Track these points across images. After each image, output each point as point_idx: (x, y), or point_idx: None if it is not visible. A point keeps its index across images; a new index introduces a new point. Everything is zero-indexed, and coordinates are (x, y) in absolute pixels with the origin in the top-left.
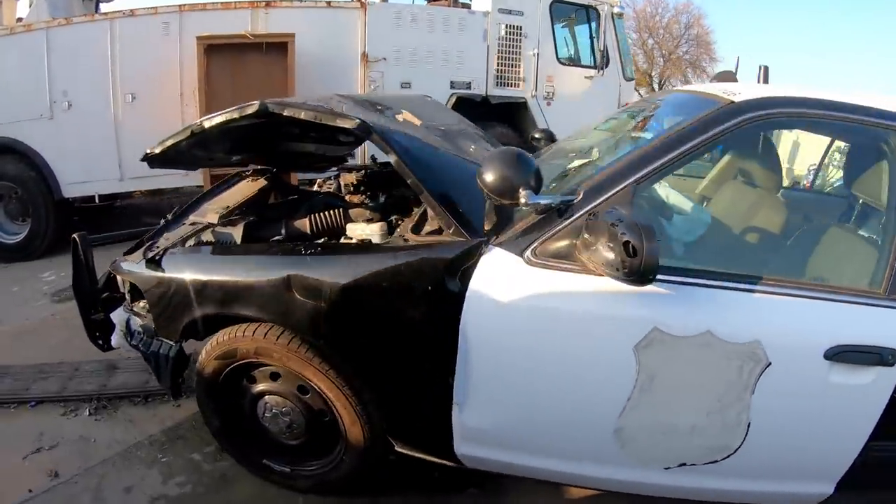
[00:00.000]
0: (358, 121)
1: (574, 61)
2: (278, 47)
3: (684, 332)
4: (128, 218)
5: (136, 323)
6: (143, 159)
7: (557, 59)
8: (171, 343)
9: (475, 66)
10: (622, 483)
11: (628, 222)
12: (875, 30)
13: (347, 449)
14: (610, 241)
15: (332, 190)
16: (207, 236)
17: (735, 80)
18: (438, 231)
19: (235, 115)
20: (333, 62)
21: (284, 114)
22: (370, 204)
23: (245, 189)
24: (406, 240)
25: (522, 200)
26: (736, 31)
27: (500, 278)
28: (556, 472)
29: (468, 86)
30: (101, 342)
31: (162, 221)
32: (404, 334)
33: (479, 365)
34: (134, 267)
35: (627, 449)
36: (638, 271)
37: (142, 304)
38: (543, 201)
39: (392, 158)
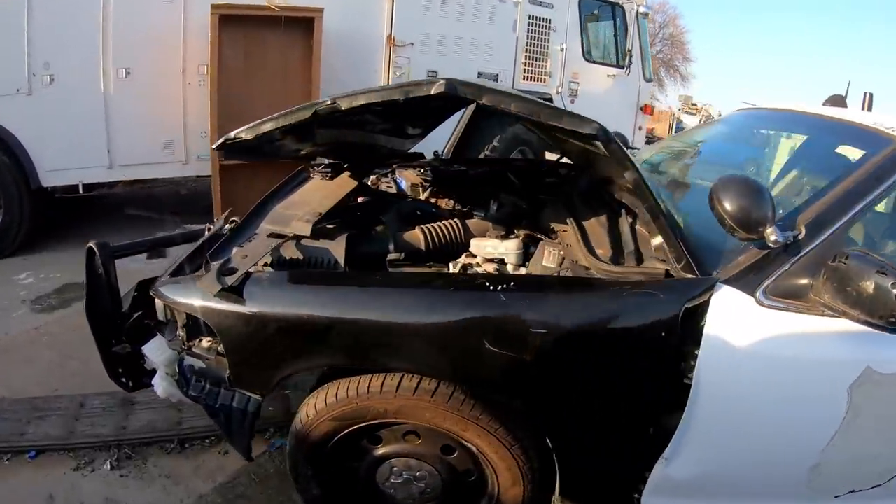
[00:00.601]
0: (597, 125)
1: (600, 59)
2: (300, 23)
3: (892, 369)
4: (108, 211)
5: (195, 366)
6: (220, 146)
7: (583, 55)
8: (253, 396)
9: (503, 57)
10: None
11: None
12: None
13: None
14: (874, 287)
15: (392, 189)
16: (289, 251)
17: (845, 106)
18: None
19: (397, 97)
20: (356, 44)
21: (483, 101)
22: (485, 214)
23: (322, 190)
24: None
25: (773, 238)
26: (709, 31)
27: (734, 321)
28: None
29: (495, 78)
30: (126, 381)
31: (207, 230)
32: (623, 387)
33: (704, 416)
34: (196, 295)
35: (814, 483)
36: None
37: (206, 343)
38: (785, 239)
39: (630, 176)
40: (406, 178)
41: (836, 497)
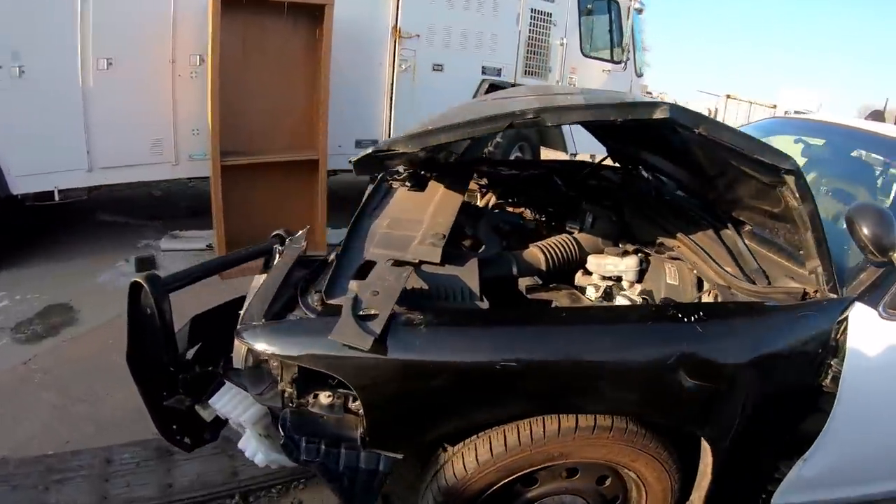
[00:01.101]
0: (794, 162)
1: (595, 54)
2: (302, 11)
3: None
4: (80, 217)
5: (303, 424)
6: (366, 159)
7: (581, 50)
8: (389, 455)
9: (506, 51)
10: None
11: None
12: None
13: None
14: None
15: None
16: (411, 280)
17: (884, 120)
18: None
19: (613, 118)
20: (360, 34)
21: (699, 131)
22: (580, 227)
23: (424, 204)
24: (732, 292)
25: None
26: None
27: (863, 333)
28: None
29: (499, 72)
30: (183, 438)
31: (276, 252)
32: (787, 401)
33: (842, 419)
34: (320, 344)
35: None
36: None
37: (325, 399)
38: None
39: (807, 207)
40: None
41: None
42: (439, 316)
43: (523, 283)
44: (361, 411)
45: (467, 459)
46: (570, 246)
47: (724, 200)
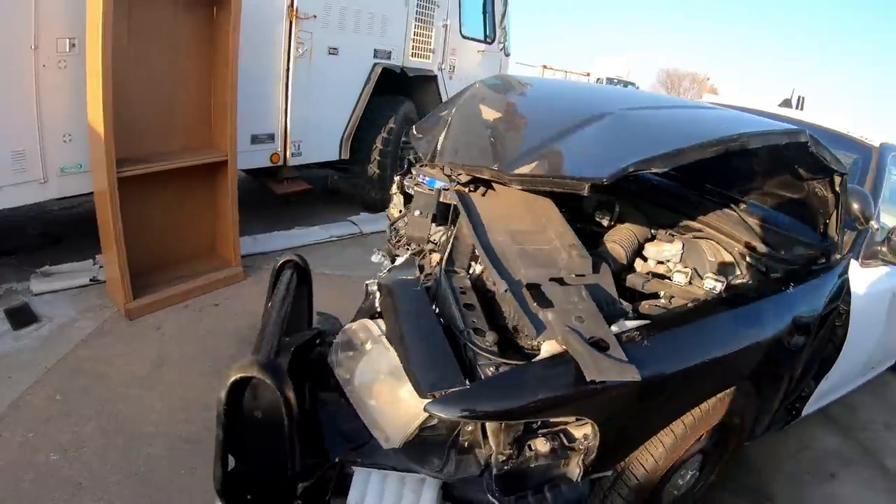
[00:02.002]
0: (843, 165)
1: (472, 35)
2: None
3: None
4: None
5: (515, 482)
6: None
7: (460, 31)
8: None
9: (396, 33)
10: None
11: None
12: None
13: None
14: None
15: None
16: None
17: (791, 107)
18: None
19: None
20: (252, 14)
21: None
22: (610, 217)
23: (519, 212)
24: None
25: (875, 226)
26: None
27: (853, 279)
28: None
29: (389, 55)
30: None
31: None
32: (827, 337)
33: (847, 344)
34: (548, 389)
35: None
36: None
37: (544, 445)
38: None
39: (842, 198)
40: (436, 178)
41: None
42: (646, 327)
43: (631, 279)
44: (588, 443)
45: (655, 453)
46: (634, 238)
47: (743, 189)
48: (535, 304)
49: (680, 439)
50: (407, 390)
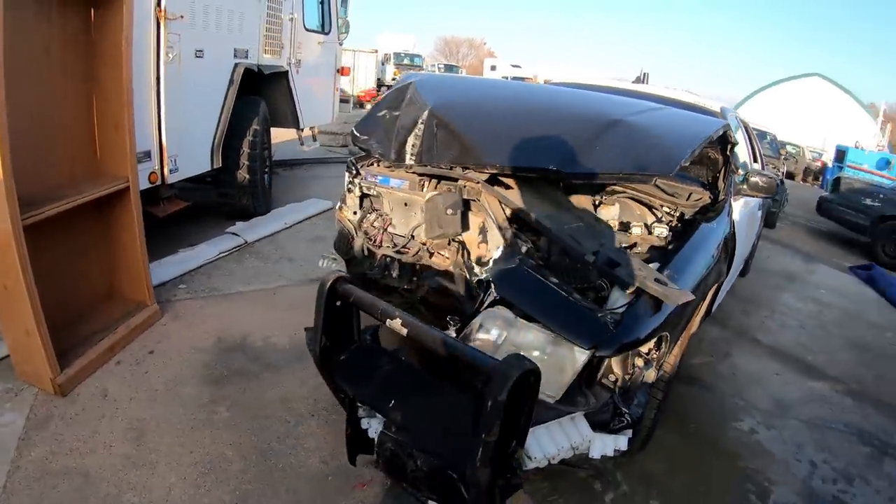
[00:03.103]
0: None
1: (312, 27)
2: None
3: None
4: None
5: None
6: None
7: (304, 24)
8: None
9: (252, 31)
10: None
11: None
12: None
13: None
14: None
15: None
16: None
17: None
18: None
19: None
20: None
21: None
22: None
23: (535, 200)
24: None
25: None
26: None
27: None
28: None
29: (246, 54)
30: None
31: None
32: (730, 246)
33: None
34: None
35: None
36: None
37: (642, 362)
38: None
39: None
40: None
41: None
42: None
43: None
44: (661, 352)
45: (677, 351)
46: (593, 206)
47: None
48: (610, 267)
49: (687, 334)
50: (562, 350)
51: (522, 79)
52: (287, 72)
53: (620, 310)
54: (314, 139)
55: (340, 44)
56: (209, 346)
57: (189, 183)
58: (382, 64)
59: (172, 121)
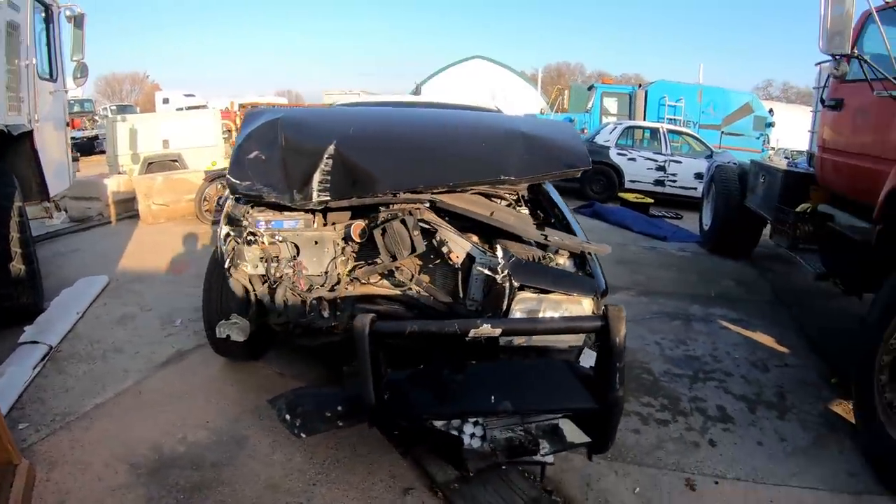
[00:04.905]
0: None
1: (43, 73)
2: None
3: None
4: None
5: None
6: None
7: (37, 71)
8: None
9: None
10: None
11: None
12: None
13: None
14: None
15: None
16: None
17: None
18: None
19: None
20: None
21: None
22: None
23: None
24: None
25: None
26: None
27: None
28: None
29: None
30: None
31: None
32: None
33: None
34: None
35: None
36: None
37: None
38: None
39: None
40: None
41: None
42: None
43: None
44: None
45: None
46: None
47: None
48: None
49: None
50: (574, 306)
51: (200, 107)
52: (31, 131)
53: (590, 270)
54: (60, 209)
55: (66, 92)
56: (129, 480)
57: None
58: None
59: None
